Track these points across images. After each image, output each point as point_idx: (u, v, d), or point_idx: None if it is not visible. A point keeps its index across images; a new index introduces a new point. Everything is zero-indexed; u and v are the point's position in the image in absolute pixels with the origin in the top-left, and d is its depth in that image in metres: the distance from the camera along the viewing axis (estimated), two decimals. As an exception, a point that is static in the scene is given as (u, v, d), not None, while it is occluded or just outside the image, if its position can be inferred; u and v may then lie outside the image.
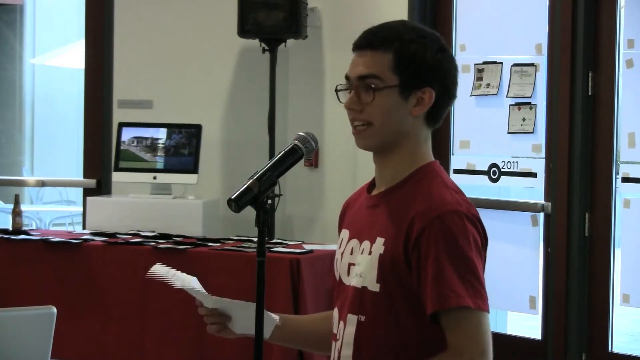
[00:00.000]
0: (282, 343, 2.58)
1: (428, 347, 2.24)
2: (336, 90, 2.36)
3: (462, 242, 2.20)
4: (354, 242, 2.37)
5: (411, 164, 2.33)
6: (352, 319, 2.32)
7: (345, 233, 2.43)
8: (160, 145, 5.80)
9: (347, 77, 2.34)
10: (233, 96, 6.15)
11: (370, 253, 2.30)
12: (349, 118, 2.33)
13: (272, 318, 2.46)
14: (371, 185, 2.43)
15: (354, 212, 2.45)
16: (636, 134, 4.81)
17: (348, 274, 2.37)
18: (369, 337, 2.30)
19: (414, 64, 2.28)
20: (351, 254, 2.37)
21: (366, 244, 2.32)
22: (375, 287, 2.28)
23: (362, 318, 2.31)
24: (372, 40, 2.30)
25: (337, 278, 2.42)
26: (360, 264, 2.32)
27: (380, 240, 2.28)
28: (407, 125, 2.30)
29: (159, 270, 2.45)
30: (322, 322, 2.53)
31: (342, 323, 2.36)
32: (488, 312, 2.22)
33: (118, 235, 5.39)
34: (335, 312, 2.41)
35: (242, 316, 2.45)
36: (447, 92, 2.33)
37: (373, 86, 2.28)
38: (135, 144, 5.82)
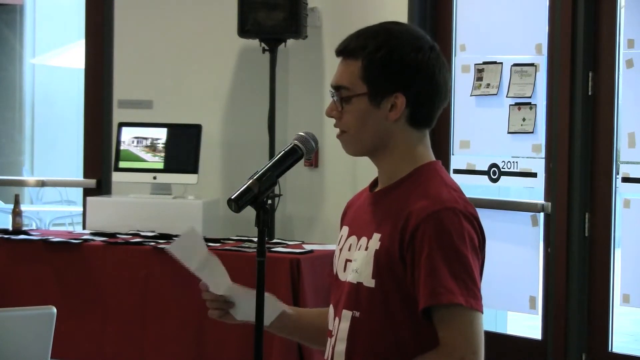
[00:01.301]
0: (280, 333, 2.57)
1: (422, 343, 2.23)
2: (332, 97, 2.38)
3: (456, 240, 2.20)
4: (353, 238, 2.37)
5: (409, 164, 2.33)
6: (347, 314, 2.32)
7: (345, 230, 2.43)
8: (160, 145, 5.80)
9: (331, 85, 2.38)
10: (233, 96, 6.15)
11: (366, 249, 2.30)
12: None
13: (278, 306, 2.45)
14: (374, 184, 2.44)
15: (355, 210, 2.46)
16: (636, 134, 4.81)
17: (344, 269, 2.37)
18: (363, 333, 2.30)
19: (381, 71, 2.28)
20: (349, 250, 2.37)
21: (363, 240, 2.33)
22: (370, 282, 2.28)
23: (357, 314, 2.31)
24: (344, 48, 2.34)
25: (335, 274, 2.42)
26: (356, 259, 2.32)
27: (376, 236, 2.29)
28: (385, 130, 2.31)
29: (186, 243, 2.41)
30: (323, 317, 2.53)
31: (337, 319, 2.36)
32: (481, 311, 2.21)
33: (118, 235, 5.39)
34: (331, 308, 2.41)
35: (246, 303, 2.45)
36: (424, 93, 2.30)
37: (343, 96, 2.31)
38: (135, 144, 5.82)
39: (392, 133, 2.31)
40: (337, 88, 2.33)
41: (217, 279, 2.44)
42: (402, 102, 2.28)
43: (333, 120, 2.38)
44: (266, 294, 2.31)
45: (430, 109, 2.33)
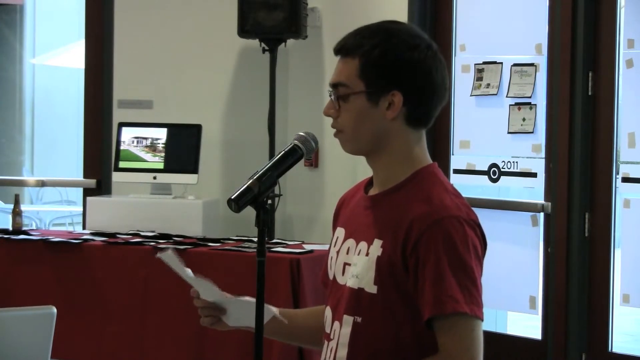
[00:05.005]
0: (272, 337, 2.56)
1: (423, 348, 2.23)
2: (330, 96, 2.38)
3: (461, 248, 2.20)
4: (350, 241, 2.36)
5: (407, 166, 2.32)
6: (348, 319, 2.32)
7: (340, 231, 2.42)
8: (160, 145, 5.80)
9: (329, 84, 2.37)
10: (233, 96, 6.15)
11: (367, 254, 2.29)
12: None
13: (270, 310, 2.45)
14: (368, 184, 2.43)
15: (349, 210, 2.45)
16: (636, 134, 4.81)
17: (343, 273, 2.36)
18: (365, 338, 2.29)
19: (378, 69, 2.28)
20: (347, 253, 2.36)
21: (363, 244, 2.31)
22: (372, 288, 2.27)
23: (359, 319, 2.30)
24: (342, 47, 2.33)
25: (332, 277, 2.41)
26: (356, 264, 2.31)
27: (378, 242, 2.28)
28: (383, 129, 2.30)
29: (171, 258, 2.42)
30: (315, 317, 2.53)
31: (337, 323, 2.35)
32: (482, 319, 2.22)
33: (118, 235, 5.39)
34: (328, 311, 2.40)
35: (237, 310, 2.45)
36: (422, 91, 2.30)
37: (341, 94, 2.30)
38: (135, 144, 5.82)
39: (390, 133, 2.30)
40: (335, 86, 2.33)
41: (207, 287, 2.44)
42: (399, 100, 2.28)
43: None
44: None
45: (427, 108, 2.32)
